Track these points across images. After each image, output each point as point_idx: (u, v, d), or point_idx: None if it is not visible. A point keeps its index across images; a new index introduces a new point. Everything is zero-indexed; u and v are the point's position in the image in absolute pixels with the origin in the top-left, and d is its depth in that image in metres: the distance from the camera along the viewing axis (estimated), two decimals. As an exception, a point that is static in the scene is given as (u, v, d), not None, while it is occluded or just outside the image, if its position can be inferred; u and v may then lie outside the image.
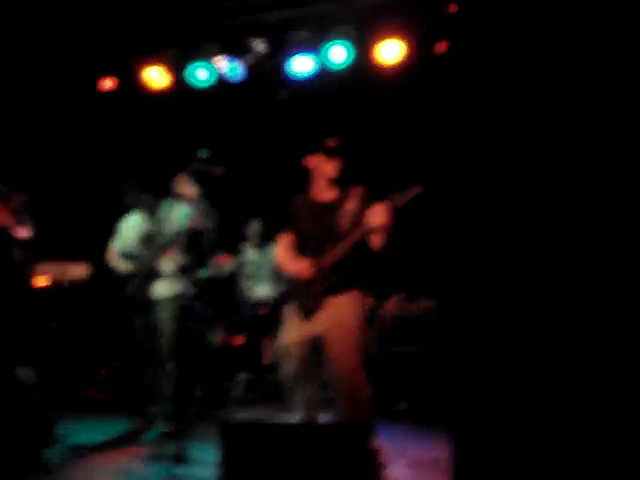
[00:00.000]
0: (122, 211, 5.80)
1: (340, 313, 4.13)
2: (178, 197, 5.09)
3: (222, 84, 7.01)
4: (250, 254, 7.13)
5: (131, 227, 5.67)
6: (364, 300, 4.35)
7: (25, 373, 4.78)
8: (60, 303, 6.80)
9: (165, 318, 5.39)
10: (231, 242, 7.14)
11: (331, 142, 4.19)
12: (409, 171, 5.72)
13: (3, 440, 4.23)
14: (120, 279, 5.57)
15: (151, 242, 5.47)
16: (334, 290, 4.16)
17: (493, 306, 3.45)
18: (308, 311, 4.19)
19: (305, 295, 4.22)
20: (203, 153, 4.84)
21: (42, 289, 6.79)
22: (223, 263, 6.66)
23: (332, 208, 4.22)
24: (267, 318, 6.86)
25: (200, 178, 4.77)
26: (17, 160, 7.14)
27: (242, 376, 6.32)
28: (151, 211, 5.60)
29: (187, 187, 4.98)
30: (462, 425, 3.62)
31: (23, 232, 4.86)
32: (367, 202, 4.05)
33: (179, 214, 5.30)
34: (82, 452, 4.72)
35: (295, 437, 3.32)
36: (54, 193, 7.56)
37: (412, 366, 5.77)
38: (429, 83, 6.30)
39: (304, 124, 6.90)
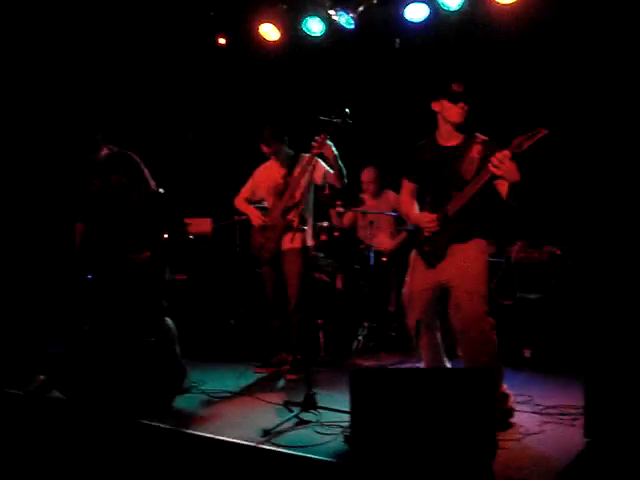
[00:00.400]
0: (253, 161, 5.92)
1: (465, 261, 4.13)
2: (312, 151, 5.10)
3: (335, 35, 7.00)
4: (369, 202, 7.13)
5: (263, 176, 5.78)
6: (488, 247, 4.32)
7: (168, 324, 5.01)
8: (187, 256, 7.03)
9: (291, 269, 5.53)
10: (351, 191, 7.17)
11: (456, 87, 4.12)
12: (533, 116, 5.54)
13: (138, 385, 4.47)
14: (246, 230, 5.70)
15: (281, 193, 5.57)
16: (459, 238, 4.15)
17: (621, 251, 3.36)
18: (433, 259, 4.20)
19: (429, 243, 4.23)
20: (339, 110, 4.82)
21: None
22: (341, 212, 6.72)
23: (457, 154, 4.17)
24: (389, 266, 6.89)
25: (335, 134, 4.79)
26: (141, 118, 7.41)
27: (366, 325, 6.38)
28: (284, 162, 5.70)
29: (324, 144, 5.00)
30: (594, 372, 3.57)
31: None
32: (492, 148, 3.99)
33: (311, 168, 5.31)
34: (212, 399, 4.89)
35: (422, 383, 3.36)
36: (177, 148, 7.78)
37: (537, 313, 5.67)
38: (547, 24, 6.10)
39: (420, 72, 6.80)
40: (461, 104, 4.12)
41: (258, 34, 7.25)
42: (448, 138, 4.25)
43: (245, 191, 5.85)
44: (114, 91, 7.39)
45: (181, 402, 4.76)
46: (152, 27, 7.35)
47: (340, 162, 5.17)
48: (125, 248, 4.81)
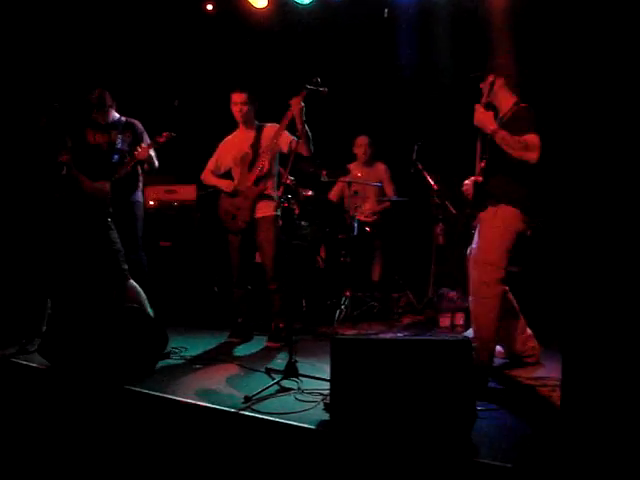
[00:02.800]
0: (224, 132, 5.90)
1: (482, 228, 4.47)
2: (287, 114, 5.16)
3: (324, 4, 6.96)
4: (357, 172, 7.14)
5: (229, 147, 5.76)
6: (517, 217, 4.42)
7: (133, 287, 5.06)
8: (169, 224, 7.02)
9: (266, 238, 5.54)
10: (339, 160, 7.17)
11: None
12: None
13: (121, 350, 4.49)
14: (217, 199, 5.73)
15: (250, 163, 5.56)
16: (482, 205, 4.46)
17: (601, 225, 3.37)
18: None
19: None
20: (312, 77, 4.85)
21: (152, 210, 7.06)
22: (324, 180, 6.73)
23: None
24: (372, 236, 6.92)
25: (310, 100, 4.80)
26: (128, 84, 7.33)
27: (349, 294, 6.41)
28: (250, 131, 5.68)
29: (300, 105, 5.03)
30: (572, 346, 3.61)
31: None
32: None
33: (278, 137, 5.40)
34: (194, 365, 4.92)
35: (402, 352, 3.40)
36: (163, 115, 7.72)
37: (517, 286, 5.72)
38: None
39: (407, 42, 6.79)
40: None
41: (246, 1, 7.19)
42: None
43: (210, 165, 5.83)
44: (101, 58, 7.31)
45: (163, 368, 4.79)
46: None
47: (307, 129, 5.16)
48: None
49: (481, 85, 4.49)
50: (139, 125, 5.89)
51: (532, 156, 4.16)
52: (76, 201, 5.05)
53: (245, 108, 5.58)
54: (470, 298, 4.50)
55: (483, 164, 4.40)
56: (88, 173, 5.19)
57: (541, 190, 4.50)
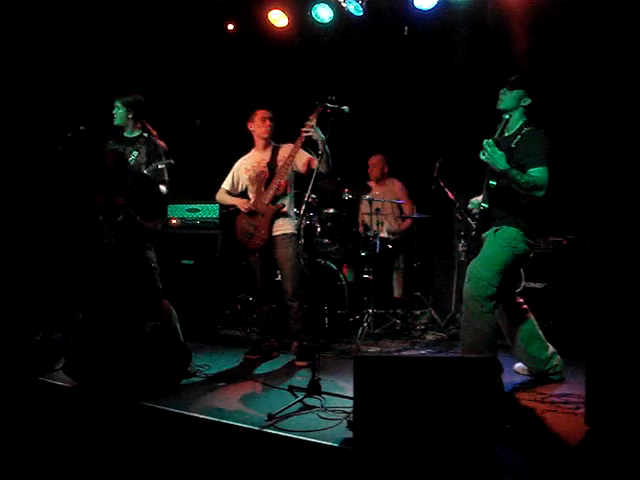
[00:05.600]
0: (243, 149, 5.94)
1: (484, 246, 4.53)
2: (301, 133, 5.19)
3: (344, 22, 7.01)
4: (375, 190, 7.17)
5: (245, 167, 5.78)
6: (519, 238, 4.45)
7: (167, 307, 5.07)
8: (192, 242, 7.06)
9: (284, 256, 5.55)
10: (357, 178, 7.20)
11: None
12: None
13: (145, 368, 4.52)
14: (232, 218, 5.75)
15: (266, 181, 5.57)
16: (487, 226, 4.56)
17: (626, 242, 3.37)
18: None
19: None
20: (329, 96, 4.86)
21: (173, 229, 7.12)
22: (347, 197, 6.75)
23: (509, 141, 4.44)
24: (394, 253, 6.93)
25: (327, 118, 4.81)
26: (150, 104, 7.42)
27: (371, 311, 6.42)
28: (267, 151, 5.70)
29: (314, 126, 5.05)
30: (596, 361, 3.60)
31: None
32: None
33: (294, 155, 5.42)
34: (217, 383, 4.93)
35: (425, 370, 3.39)
36: (185, 134, 7.79)
37: (542, 302, 5.70)
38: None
39: (428, 60, 6.81)
40: None
41: (267, 21, 7.27)
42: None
43: (225, 184, 5.85)
44: (124, 77, 7.40)
45: (186, 386, 4.81)
46: (161, 13, 7.36)
47: (327, 147, 5.14)
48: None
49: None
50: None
51: (539, 193, 4.22)
52: (129, 242, 5.02)
53: (271, 124, 5.65)
54: (462, 309, 4.52)
55: (489, 191, 4.44)
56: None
57: (546, 211, 4.53)
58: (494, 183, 4.35)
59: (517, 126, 4.47)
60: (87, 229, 5.20)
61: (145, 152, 5.36)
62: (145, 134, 5.54)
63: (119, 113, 5.49)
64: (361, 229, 7.23)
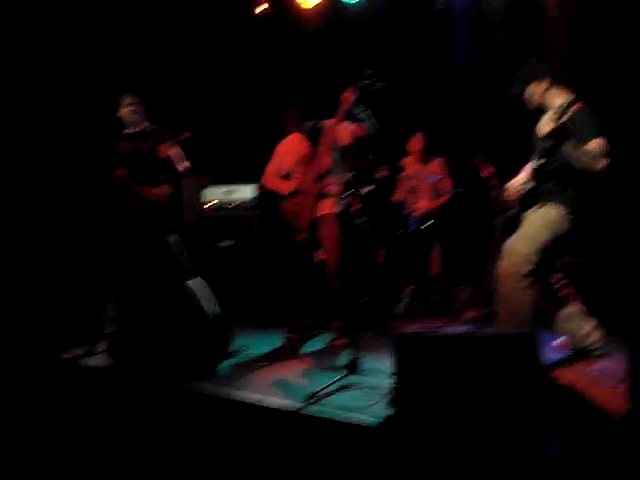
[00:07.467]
0: (281, 134, 5.94)
1: (525, 224, 4.44)
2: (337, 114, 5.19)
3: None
4: (412, 168, 7.12)
5: (288, 149, 5.80)
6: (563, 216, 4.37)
7: (196, 285, 5.10)
8: (230, 223, 7.09)
9: (329, 235, 5.55)
10: (394, 156, 7.15)
11: None
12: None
13: (184, 350, 4.57)
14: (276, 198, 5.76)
15: (310, 161, 5.58)
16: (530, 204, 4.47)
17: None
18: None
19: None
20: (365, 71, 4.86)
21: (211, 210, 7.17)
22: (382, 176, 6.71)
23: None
24: (431, 230, 6.90)
25: (364, 95, 4.80)
26: (184, 88, 7.46)
27: (409, 289, 6.41)
28: (307, 134, 5.71)
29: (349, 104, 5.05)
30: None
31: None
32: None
33: (336, 130, 5.41)
34: (256, 362, 4.98)
35: (465, 347, 3.38)
36: (217, 117, 7.81)
37: (579, 276, 5.63)
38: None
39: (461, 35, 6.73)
40: None
41: (295, 2, 7.22)
42: None
43: (272, 168, 5.88)
44: (156, 62, 7.44)
45: (226, 367, 4.87)
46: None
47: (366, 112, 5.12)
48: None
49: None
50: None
51: (600, 165, 4.07)
52: (133, 208, 5.09)
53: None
54: (498, 285, 4.49)
55: (537, 169, 4.37)
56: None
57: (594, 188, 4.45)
58: (544, 160, 4.30)
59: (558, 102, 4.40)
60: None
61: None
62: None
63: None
64: (400, 207, 7.19)
